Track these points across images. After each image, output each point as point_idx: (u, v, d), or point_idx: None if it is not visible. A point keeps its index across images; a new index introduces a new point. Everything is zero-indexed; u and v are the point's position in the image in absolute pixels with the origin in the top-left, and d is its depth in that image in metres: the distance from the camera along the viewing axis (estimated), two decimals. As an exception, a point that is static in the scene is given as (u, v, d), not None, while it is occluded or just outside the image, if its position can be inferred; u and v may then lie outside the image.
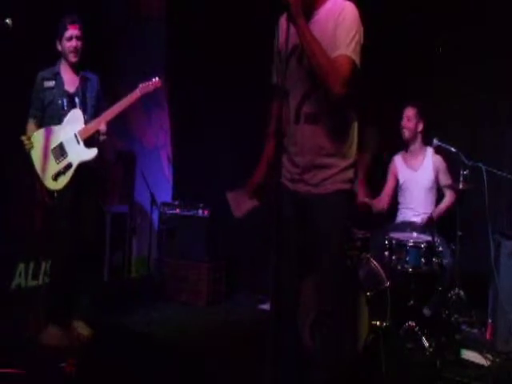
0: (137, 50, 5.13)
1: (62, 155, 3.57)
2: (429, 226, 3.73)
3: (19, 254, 4.07)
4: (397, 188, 4.27)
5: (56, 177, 3.53)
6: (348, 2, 2.32)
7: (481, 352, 3.51)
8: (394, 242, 3.65)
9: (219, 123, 5.12)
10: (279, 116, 2.47)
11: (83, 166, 3.57)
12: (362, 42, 2.30)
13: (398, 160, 4.28)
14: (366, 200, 3.91)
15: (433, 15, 4.31)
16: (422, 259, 3.55)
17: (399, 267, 3.60)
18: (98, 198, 3.90)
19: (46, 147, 3.56)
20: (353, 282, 3.29)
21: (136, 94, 3.62)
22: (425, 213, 3.99)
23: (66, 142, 3.57)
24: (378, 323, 3.37)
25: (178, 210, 4.91)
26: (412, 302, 3.61)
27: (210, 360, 3.43)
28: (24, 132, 3.58)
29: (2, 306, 3.68)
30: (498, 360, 3.45)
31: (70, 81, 3.64)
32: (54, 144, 3.58)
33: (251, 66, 3.85)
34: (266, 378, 2.38)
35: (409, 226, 3.97)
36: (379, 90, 4.22)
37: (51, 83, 3.58)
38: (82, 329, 3.60)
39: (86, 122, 3.59)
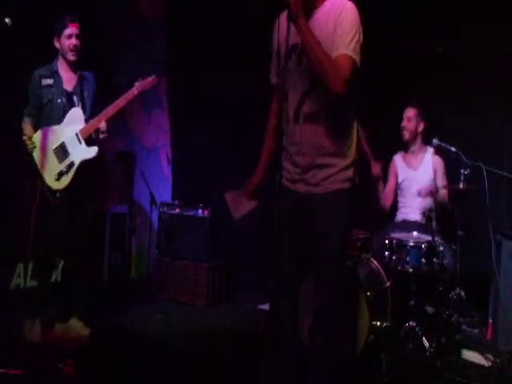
0: (137, 50, 5.13)
1: (64, 155, 3.56)
2: (429, 224, 3.72)
3: (19, 254, 4.07)
4: (397, 187, 4.26)
5: (59, 176, 3.53)
6: (348, 2, 2.31)
7: (481, 352, 3.52)
8: (394, 242, 3.65)
9: (219, 123, 5.12)
10: (278, 116, 2.47)
11: (84, 165, 3.57)
12: (361, 41, 2.29)
13: (397, 159, 4.27)
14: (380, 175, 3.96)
15: (433, 15, 4.30)
16: (423, 259, 3.55)
17: (399, 267, 3.59)
18: (97, 197, 3.90)
19: (47, 147, 3.56)
20: (353, 282, 3.28)
21: (133, 91, 3.62)
22: (424, 212, 3.99)
23: (68, 142, 3.57)
24: (378, 323, 3.37)
25: (177, 210, 4.91)
26: (412, 302, 3.61)
27: (210, 360, 3.42)
28: (20, 130, 3.57)
29: (1, 306, 3.69)
30: (498, 360, 3.45)
31: (68, 79, 3.63)
32: (55, 144, 3.57)
33: (251, 66, 3.85)
34: (265, 378, 2.38)
35: (409, 225, 3.96)
36: (379, 91, 4.22)
37: (49, 81, 3.56)
38: (81, 328, 3.60)
39: (85, 121, 3.59)
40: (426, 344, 3.48)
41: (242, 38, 4.78)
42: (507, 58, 4.10)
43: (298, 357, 2.50)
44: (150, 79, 3.67)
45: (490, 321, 3.86)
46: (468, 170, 3.57)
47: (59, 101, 3.57)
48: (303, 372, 2.52)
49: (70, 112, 3.59)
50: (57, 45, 3.59)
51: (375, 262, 3.59)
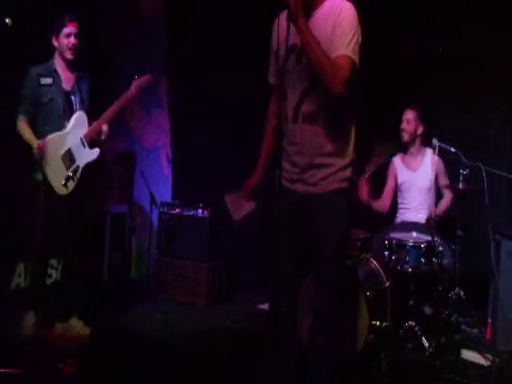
0: (137, 51, 5.14)
1: (71, 160, 3.57)
2: (429, 226, 3.72)
3: (19, 254, 4.08)
4: (397, 189, 4.26)
5: (66, 182, 3.53)
6: (347, 2, 2.32)
7: (481, 352, 3.52)
8: (393, 242, 3.65)
9: (219, 123, 5.12)
10: (278, 116, 2.48)
11: (87, 167, 3.59)
12: (360, 41, 2.30)
13: (396, 161, 4.27)
14: (368, 200, 3.90)
15: (433, 15, 4.30)
16: (422, 259, 3.55)
17: (399, 267, 3.59)
18: (97, 197, 3.91)
19: (55, 155, 3.53)
20: (353, 282, 3.28)
21: (131, 92, 3.63)
22: (424, 213, 3.99)
23: (74, 148, 3.58)
24: (377, 323, 3.37)
25: (177, 210, 4.91)
26: (412, 302, 3.61)
27: (210, 360, 3.43)
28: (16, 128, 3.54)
29: (1, 306, 3.69)
30: (497, 360, 3.45)
31: (67, 79, 3.62)
32: (62, 150, 3.56)
33: (251, 66, 3.84)
34: (265, 378, 2.39)
35: (409, 226, 3.97)
36: (378, 91, 4.22)
37: (48, 80, 3.54)
38: (81, 328, 3.61)
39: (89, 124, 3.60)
40: (426, 344, 3.48)
41: (241, 38, 4.78)
42: (507, 59, 4.10)
43: (297, 357, 2.51)
44: (146, 77, 3.67)
45: (490, 321, 3.86)
46: (467, 171, 3.57)
47: (60, 100, 3.56)
48: (303, 372, 2.52)
49: (75, 116, 3.59)
50: (55, 43, 3.57)
51: (375, 261, 3.60)
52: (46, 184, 3.50)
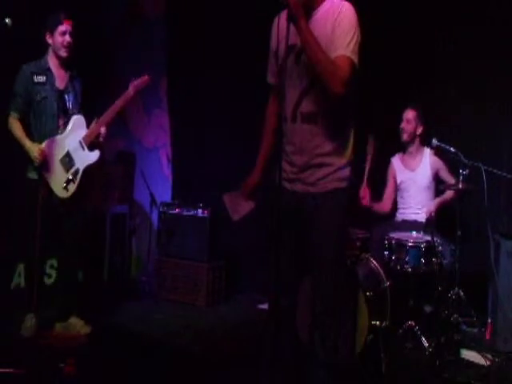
0: (136, 51, 5.14)
1: (70, 163, 3.58)
2: (429, 224, 3.73)
3: (19, 254, 4.08)
4: (396, 189, 4.27)
5: (67, 185, 3.53)
6: (346, 2, 2.32)
7: (480, 352, 3.51)
8: (393, 241, 3.65)
9: (219, 123, 5.12)
10: (277, 115, 2.48)
11: (87, 169, 3.59)
12: (359, 41, 2.30)
13: (395, 161, 4.28)
14: (370, 205, 3.92)
15: (433, 15, 4.31)
16: (422, 259, 3.55)
17: (399, 267, 3.60)
18: (97, 197, 3.91)
19: (54, 159, 3.54)
20: (352, 282, 3.28)
21: (129, 93, 3.62)
22: (423, 212, 3.99)
23: (73, 151, 3.59)
24: (377, 323, 3.37)
25: (177, 210, 4.91)
26: (411, 301, 3.61)
27: (210, 360, 3.43)
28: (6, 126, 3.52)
29: (1, 306, 3.69)
30: (497, 360, 3.45)
31: (60, 77, 3.61)
32: (61, 154, 3.57)
33: (251, 65, 3.84)
34: (265, 378, 2.39)
35: (408, 225, 3.97)
36: (378, 91, 4.22)
37: (42, 78, 3.52)
38: (81, 327, 3.61)
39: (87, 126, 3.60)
40: (425, 343, 3.48)
41: (241, 38, 4.78)
42: (507, 59, 4.11)
43: (297, 357, 2.51)
44: (144, 78, 3.66)
45: (489, 320, 3.87)
46: (467, 171, 3.58)
47: (54, 99, 3.55)
48: (303, 372, 2.52)
49: (73, 120, 3.60)
50: (49, 41, 3.55)
51: (374, 261, 3.60)
52: (43, 183, 3.50)
